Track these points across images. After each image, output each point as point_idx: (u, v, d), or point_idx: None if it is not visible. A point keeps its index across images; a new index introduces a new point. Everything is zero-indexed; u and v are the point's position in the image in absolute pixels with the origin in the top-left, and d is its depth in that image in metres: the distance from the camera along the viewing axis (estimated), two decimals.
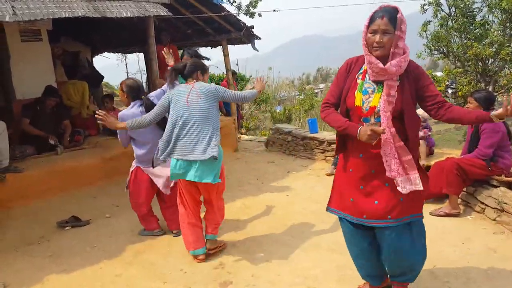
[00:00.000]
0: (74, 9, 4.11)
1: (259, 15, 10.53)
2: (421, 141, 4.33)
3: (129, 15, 4.50)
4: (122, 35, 8.41)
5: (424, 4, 10.14)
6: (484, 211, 3.54)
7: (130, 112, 3.39)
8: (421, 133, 4.33)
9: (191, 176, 2.90)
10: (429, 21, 10.13)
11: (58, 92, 5.51)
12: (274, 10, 7.84)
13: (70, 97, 6.28)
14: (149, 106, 3.34)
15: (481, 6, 9.64)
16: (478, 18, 9.68)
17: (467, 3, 9.55)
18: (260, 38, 6.87)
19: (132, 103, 3.45)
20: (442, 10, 10.13)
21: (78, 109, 6.31)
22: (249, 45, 6.90)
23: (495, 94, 9.59)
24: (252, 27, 6.58)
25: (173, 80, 3.12)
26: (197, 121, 2.91)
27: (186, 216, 3.12)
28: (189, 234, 3.09)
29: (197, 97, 2.96)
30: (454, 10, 9.87)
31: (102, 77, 8.35)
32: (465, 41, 9.52)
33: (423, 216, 2.25)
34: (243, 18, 6.78)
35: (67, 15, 4.00)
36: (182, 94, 2.99)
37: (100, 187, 4.84)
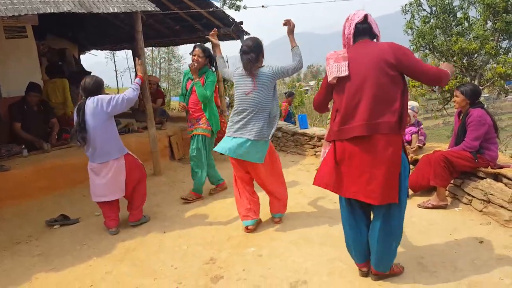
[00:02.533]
0: (60, 5, 4.03)
1: (244, 7, 10.42)
2: (415, 136, 4.42)
3: (115, 11, 4.44)
4: (110, 31, 8.31)
5: (406, 5, 10.31)
6: (471, 202, 3.60)
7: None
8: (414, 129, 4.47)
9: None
10: (410, 20, 10.31)
11: (40, 88, 5.39)
12: (262, 6, 7.82)
13: (50, 97, 6.01)
14: (80, 107, 3.42)
15: (461, 3, 9.83)
16: (459, 14, 9.86)
17: (446, 2, 9.74)
18: (249, 34, 6.86)
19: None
20: (424, 9, 10.29)
21: (62, 108, 6.14)
22: (239, 41, 6.87)
23: (480, 87, 9.75)
24: (241, 22, 6.56)
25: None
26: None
27: None
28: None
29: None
30: (435, 8, 10.05)
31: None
32: (448, 38, 9.70)
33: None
34: (228, 11, 6.71)
35: (52, 11, 3.93)
36: None
37: (89, 185, 4.77)
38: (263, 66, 3.28)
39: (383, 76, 2.26)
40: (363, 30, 2.38)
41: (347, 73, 2.30)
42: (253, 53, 3.20)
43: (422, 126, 4.58)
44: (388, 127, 2.25)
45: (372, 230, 2.46)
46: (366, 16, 2.37)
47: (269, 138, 3.31)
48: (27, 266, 3.14)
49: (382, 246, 2.42)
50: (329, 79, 2.39)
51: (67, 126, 5.83)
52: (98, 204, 3.69)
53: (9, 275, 3.02)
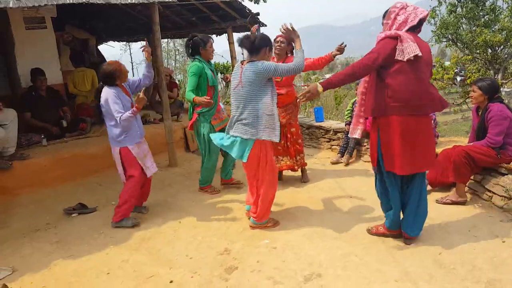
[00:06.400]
0: None
1: (264, 1, 10.31)
2: None
3: (133, 1, 4.45)
4: (127, 22, 8.35)
5: None
6: (491, 199, 3.50)
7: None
8: None
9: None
10: (435, 7, 9.98)
11: (44, 72, 5.41)
12: None
13: (77, 85, 6.26)
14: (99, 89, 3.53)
15: None
16: (487, 3, 9.52)
17: None
18: (266, 26, 6.78)
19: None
20: None
21: (85, 97, 6.30)
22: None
23: (504, 81, 9.46)
24: (258, 14, 6.48)
25: None
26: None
27: None
28: None
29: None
30: None
31: None
32: (474, 28, 9.39)
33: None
34: (247, 4, 6.66)
35: (71, 1, 3.96)
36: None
37: (105, 175, 4.86)
38: (256, 61, 3.04)
39: (428, 66, 2.74)
40: (421, 24, 2.71)
41: (421, 54, 2.55)
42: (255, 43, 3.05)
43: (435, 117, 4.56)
44: (432, 109, 2.74)
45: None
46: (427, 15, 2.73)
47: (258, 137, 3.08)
48: (45, 253, 3.22)
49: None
50: (407, 56, 2.52)
51: (85, 115, 5.93)
52: None
53: (28, 261, 3.10)
